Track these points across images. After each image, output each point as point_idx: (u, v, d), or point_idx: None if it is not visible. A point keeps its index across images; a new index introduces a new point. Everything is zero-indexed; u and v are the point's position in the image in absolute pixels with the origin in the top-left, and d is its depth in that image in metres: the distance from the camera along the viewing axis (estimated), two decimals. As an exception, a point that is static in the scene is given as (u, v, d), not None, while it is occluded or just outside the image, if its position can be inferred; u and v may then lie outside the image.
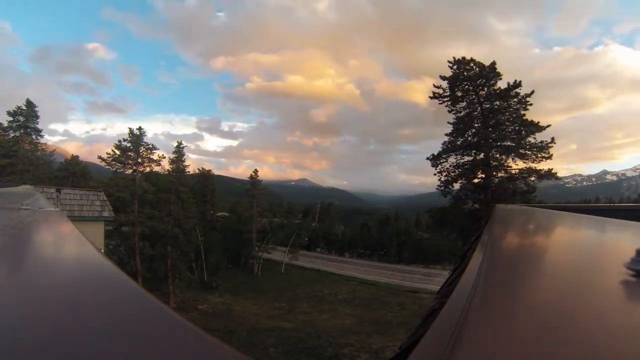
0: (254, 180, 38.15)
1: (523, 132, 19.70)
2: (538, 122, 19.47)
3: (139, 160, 24.72)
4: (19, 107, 25.31)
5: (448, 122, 21.56)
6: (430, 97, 21.48)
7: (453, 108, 21.25)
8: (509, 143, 20.13)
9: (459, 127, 21.06)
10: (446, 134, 21.54)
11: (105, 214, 12.33)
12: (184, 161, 28.02)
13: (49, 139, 33.76)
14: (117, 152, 24.19)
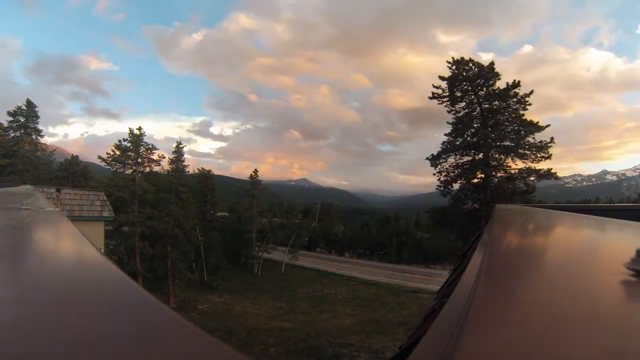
0: (253, 180, 38.14)
1: (522, 132, 19.71)
2: (537, 122, 19.48)
3: (139, 160, 24.74)
4: (19, 107, 25.31)
5: (447, 122, 21.59)
6: (429, 97, 21.48)
7: (452, 108, 21.24)
8: (508, 143, 20.13)
9: (458, 127, 21.04)
10: (445, 134, 21.54)
11: (105, 214, 12.31)
12: (183, 161, 28.05)
13: (48, 139, 33.83)
14: (117, 152, 24.21)
